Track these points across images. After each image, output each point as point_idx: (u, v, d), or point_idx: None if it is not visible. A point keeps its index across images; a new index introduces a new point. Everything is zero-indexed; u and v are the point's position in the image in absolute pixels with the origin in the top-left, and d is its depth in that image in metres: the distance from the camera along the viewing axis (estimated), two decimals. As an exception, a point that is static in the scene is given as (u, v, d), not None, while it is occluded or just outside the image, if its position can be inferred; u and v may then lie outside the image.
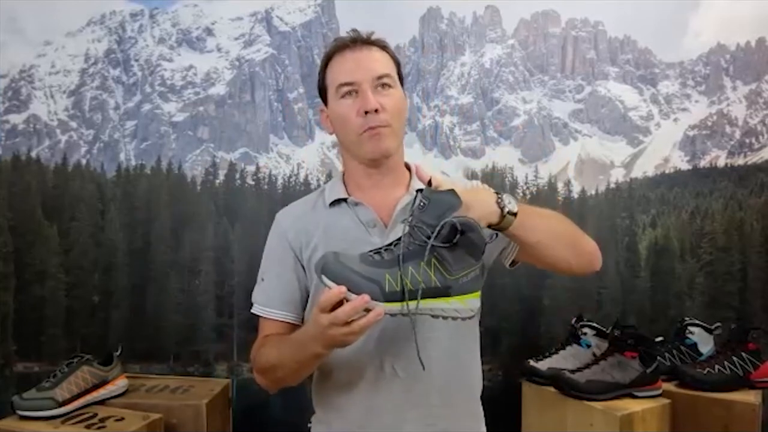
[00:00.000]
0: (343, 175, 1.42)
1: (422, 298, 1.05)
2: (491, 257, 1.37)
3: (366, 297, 1.01)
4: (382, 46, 1.35)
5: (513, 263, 1.38)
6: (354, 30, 1.36)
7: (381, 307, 1.03)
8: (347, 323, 1.04)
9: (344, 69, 1.32)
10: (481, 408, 1.41)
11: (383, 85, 1.31)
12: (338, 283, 1.01)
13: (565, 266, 1.28)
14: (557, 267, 1.29)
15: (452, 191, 1.08)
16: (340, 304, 1.03)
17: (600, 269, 1.31)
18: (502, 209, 1.16)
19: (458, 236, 1.05)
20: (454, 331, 1.32)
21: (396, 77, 1.35)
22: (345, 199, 1.37)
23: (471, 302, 1.09)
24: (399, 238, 1.09)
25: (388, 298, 1.03)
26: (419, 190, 1.13)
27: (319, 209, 1.39)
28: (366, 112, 1.29)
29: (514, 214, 1.17)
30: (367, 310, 1.03)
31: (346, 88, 1.31)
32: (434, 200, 1.06)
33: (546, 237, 1.23)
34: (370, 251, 1.08)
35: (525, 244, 1.23)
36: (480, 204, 1.14)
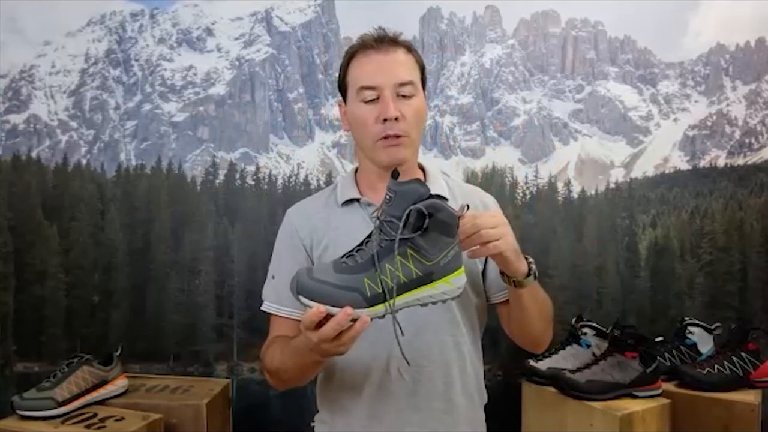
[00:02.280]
0: (356, 172, 1.41)
1: (407, 290, 1.02)
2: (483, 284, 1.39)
3: (348, 309, 0.99)
4: (408, 48, 1.33)
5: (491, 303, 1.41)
6: (380, 28, 1.32)
7: (366, 314, 1.00)
8: (336, 336, 1.02)
9: (367, 71, 1.29)
10: (483, 416, 1.41)
11: (405, 92, 1.29)
12: (317, 300, 0.99)
13: (519, 336, 1.35)
14: (519, 338, 1.35)
15: (417, 180, 1.06)
16: (326, 319, 1.01)
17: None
18: (530, 266, 1.21)
19: (427, 220, 1.02)
20: (459, 336, 1.32)
21: (419, 83, 1.32)
22: (357, 199, 1.36)
23: (456, 281, 1.07)
24: (368, 236, 1.06)
25: (372, 302, 1.01)
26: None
27: (332, 207, 1.38)
28: (385, 120, 1.27)
29: (535, 278, 1.22)
30: (354, 319, 1.01)
31: (367, 93, 1.28)
32: (400, 192, 1.03)
33: (537, 313, 1.28)
34: (343, 257, 1.05)
35: (524, 307, 1.26)
36: (519, 254, 1.17)
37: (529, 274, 1.20)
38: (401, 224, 1.01)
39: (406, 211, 1.02)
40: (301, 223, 1.38)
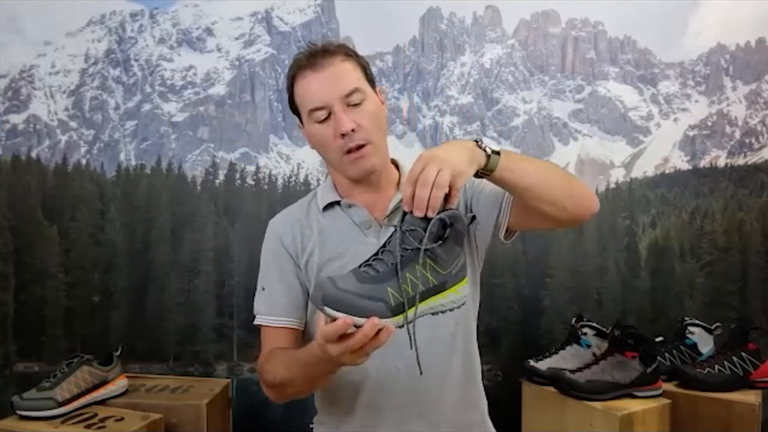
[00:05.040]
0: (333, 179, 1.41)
1: (423, 299, 1.02)
2: (486, 240, 1.35)
3: (375, 320, 0.96)
4: (346, 54, 1.29)
5: (508, 235, 1.32)
6: (311, 43, 1.30)
7: (390, 324, 0.99)
8: (359, 347, 0.99)
9: (310, 92, 1.27)
10: (480, 391, 1.41)
11: (354, 101, 1.26)
12: (342, 311, 0.96)
13: (562, 213, 1.21)
14: (554, 215, 1.22)
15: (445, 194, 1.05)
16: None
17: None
18: (484, 150, 1.12)
19: (448, 230, 1.03)
20: (456, 326, 1.32)
21: (366, 85, 1.29)
22: (338, 202, 1.36)
23: (463, 289, 1.07)
24: (383, 246, 1.05)
25: (395, 311, 1.00)
26: None
27: (313, 214, 1.37)
28: (343, 135, 1.26)
29: (498, 153, 1.14)
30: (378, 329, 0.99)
31: (318, 113, 1.26)
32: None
33: (537, 179, 1.17)
34: (362, 266, 1.03)
35: (517, 188, 1.18)
36: (464, 149, 1.09)
37: (488, 156, 1.12)
38: (426, 234, 1.01)
39: (433, 221, 1.02)
40: (284, 231, 1.37)
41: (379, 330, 0.98)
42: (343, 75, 1.27)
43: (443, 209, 1.03)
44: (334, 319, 0.97)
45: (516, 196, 1.22)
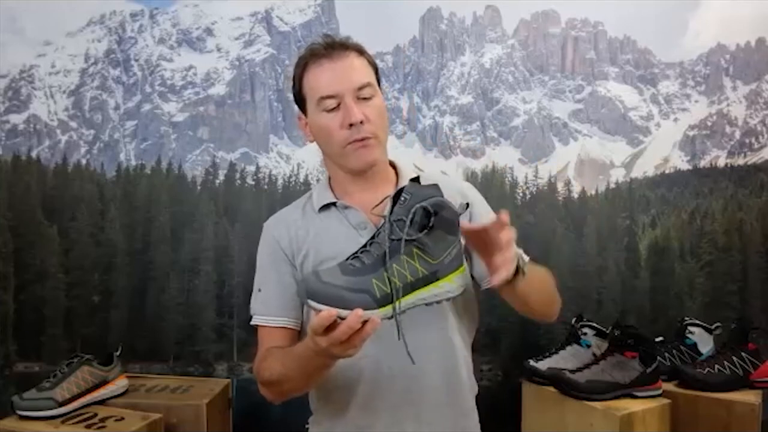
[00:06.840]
0: (329, 179, 1.41)
1: (413, 289, 1.02)
2: (479, 273, 1.35)
3: (359, 311, 0.97)
4: (359, 51, 1.32)
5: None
6: (327, 35, 1.32)
7: (376, 315, 0.99)
8: (347, 339, 1.00)
9: (324, 80, 1.28)
10: (473, 404, 1.41)
11: (365, 95, 1.28)
12: (327, 304, 0.98)
13: (533, 314, 1.33)
14: (526, 312, 1.32)
15: (435, 185, 1.05)
16: (335, 322, 1.00)
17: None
18: (518, 266, 1.14)
19: (433, 218, 1.03)
20: (449, 330, 1.32)
21: (375, 83, 1.32)
22: (334, 203, 1.36)
23: (458, 279, 1.06)
24: (372, 238, 1.05)
25: (381, 302, 1.00)
26: (401, 189, 1.08)
27: (309, 215, 1.38)
28: (351, 125, 1.27)
29: (524, 274, 1.17)
30: (364, 321, 1.00)
31: (327, 102, 1.27)
32: (416, 194, 1.03)
33: (535, 294, 1.26)
34: (348, 259, 1.04)
35: (519, 295, 1.22)
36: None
37: (517, 272, 1.14)
38: (407, 223, 1.01)
39: (412, 210, 1.02)
40: (280, 233, 1.37)
41: (366, 321, 0.98)
42: (357, 69, 1.29)
43: (429, 197, 1.03)
44: None
45: (509, 297, 1.25)
